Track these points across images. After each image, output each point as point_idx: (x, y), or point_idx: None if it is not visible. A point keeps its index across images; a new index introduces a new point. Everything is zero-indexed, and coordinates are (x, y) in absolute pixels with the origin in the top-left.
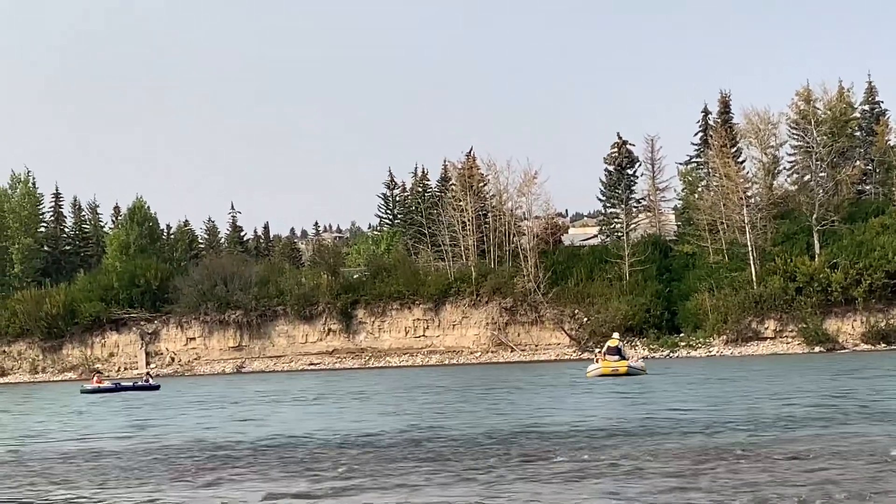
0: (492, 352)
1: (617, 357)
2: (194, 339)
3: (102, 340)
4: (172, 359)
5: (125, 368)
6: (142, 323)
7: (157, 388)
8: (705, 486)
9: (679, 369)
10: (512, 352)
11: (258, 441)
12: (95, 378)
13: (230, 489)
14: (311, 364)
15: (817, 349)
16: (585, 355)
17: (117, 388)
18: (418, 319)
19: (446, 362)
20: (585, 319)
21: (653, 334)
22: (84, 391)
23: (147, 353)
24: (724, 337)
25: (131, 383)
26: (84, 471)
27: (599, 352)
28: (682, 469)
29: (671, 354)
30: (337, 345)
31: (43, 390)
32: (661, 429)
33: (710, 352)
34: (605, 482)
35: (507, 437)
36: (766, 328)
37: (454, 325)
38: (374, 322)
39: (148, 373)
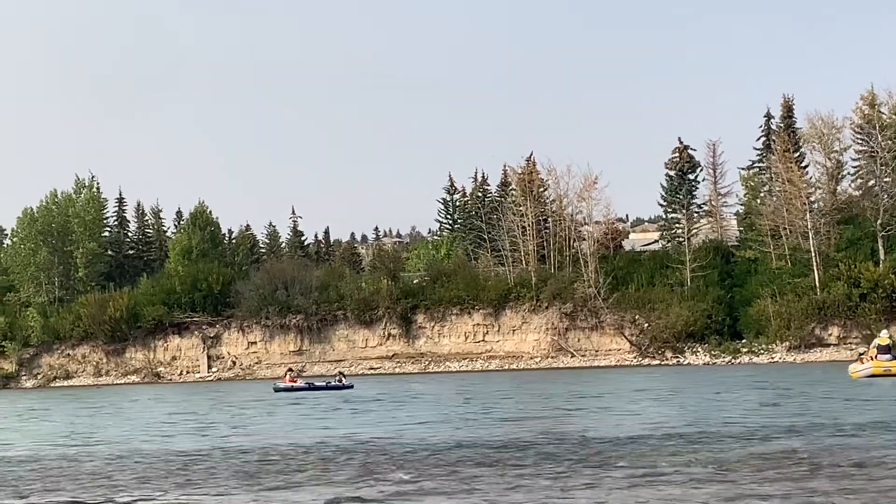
0: (551, 357)
1: (889, 357)
2: (255, 343)
3: (165, 344)
4: (234, 362)
5: (187, 372)
6: (204, 327)
7: (350, 387)
8: (772, 492)
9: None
10: (572, 357)
11: (323, 445)
12: (289, 377)
13: (293, 493)
14: (371, 369)
15: None
16: (646, 361)
17: (310, 388)
18: (478, 324)
19: (506, 367)
20: (646, 325)
21: (714, 340)
22: (277, 389)
23: (209, 357)
24: (787, 343)
25: (324, 383)
26: (191, 472)
27: (866, 352)
28: (744, 476)
29: (733, 360)
30: (397, 349)
31: (224, 391)
32: (719, 435)
33: (772, 358)
34: (666, 490)
35: (569, 442)
36: (830, 335)
37: (514, 331)
38: (433, 327)
39: (340, 372)
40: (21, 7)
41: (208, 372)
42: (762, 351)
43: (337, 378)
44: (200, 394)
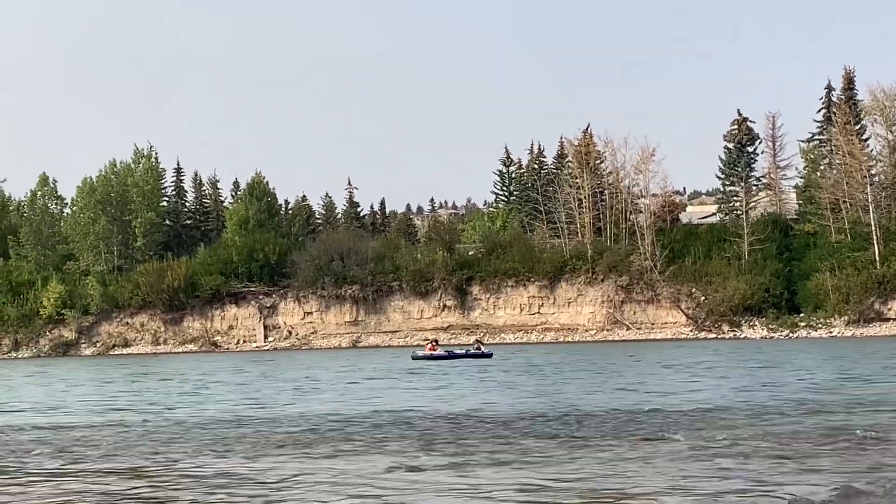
0: (607, 330)
1: None
2: (311, 313)
3: (222, 313)
4: (290, 332)
5: (243, 341)
6: (260, 296)
7: (489, 355)
8: (826, 466)
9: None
10: (627, 330)
11: (379, 415)
12: (429, 345)
13: (349, 461)
14: (427, 340)
15: None
16: (702, 334)
17: (450, 356)
18: (533, 297)
19: (561, 340)
20: (703, 298)
21: (772, 314)
22: (415, 357)
23: (265, 327)
24: (846, 317)
25: (463, 351)
26: (228, 438)
27: None
28: (802, 449)
29: (791, 335)
30: (452, 321)
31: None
32: (778, 408)
33: (830, 332)
34: (724, 461)
35: (628, 414)
36: (890, 309)
37: (569, 303)
38: (488, 299)
39: (478, 340)
40: None
41: (265, 341)
42: (820, 325)
43: (475, 346)
44: (317, 361)
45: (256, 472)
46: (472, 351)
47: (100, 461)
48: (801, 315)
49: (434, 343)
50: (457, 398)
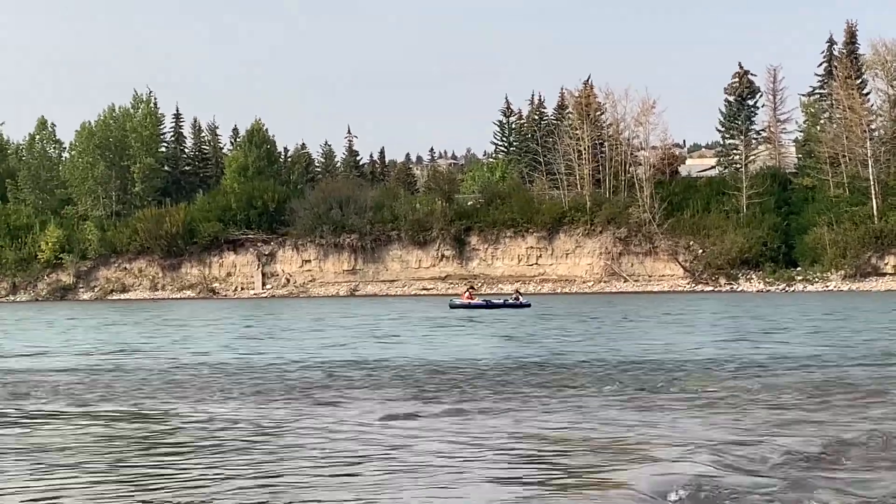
0: (604, 281)
1: None
2: (310, 261)
3: (220, 260)
4: (288, 280)
5: (241, 288)
6: (259, 244)
7: (527, 306)
8: (822, 419)
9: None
10: (625, 282)
11: (376, 362)
12: (466, 294)
13: (347, 408)
14: (424, 289)
15: None
16: (699, 287)
17: (487, 305)
18: (531, 247)
19: (558, 291)
20: (700, 251)
21: (769, 268)
22: (453, 306)
23: (263, 274)
24: (843, 272)
25: (502, 300)
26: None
27: None
28: (796, 401)
29: (787, 288)
30: (450, 270)
31: (359, 305)
32: (773, 361)
33: (827, 286)
34: (717, 412)
35: (621, 365)
36: (886, 264)
37: (567, 254)
38: (487, 249)
39: (517, 290)
40: None
41: (263, 289)
42: (817, 279)
43: (514, 296)
44: (341, 309)
45: (255, 417)
46: (511, 301)
47: (100, 404)
48: (798, 269)
49: (470, 290)
50: (465, 347)
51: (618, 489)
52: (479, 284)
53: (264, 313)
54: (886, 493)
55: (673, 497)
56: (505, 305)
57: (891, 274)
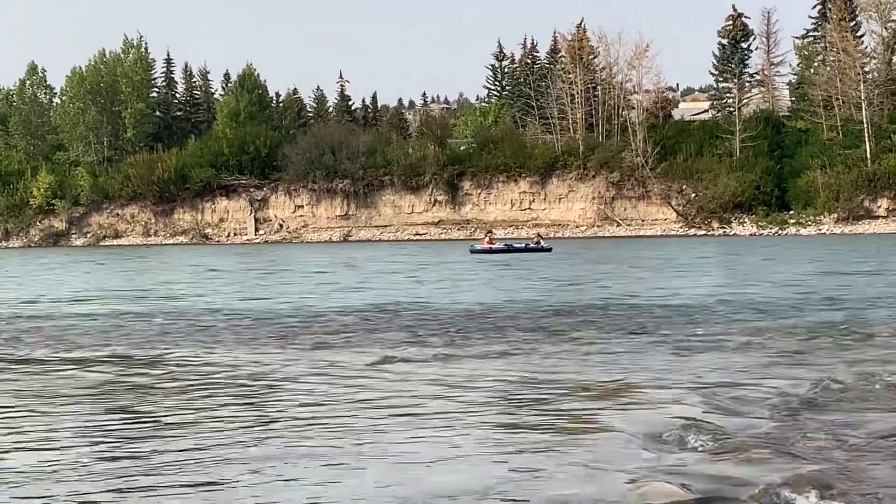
0: (597, 226)
1: None
2: (302, 206)
3: (213, 206)
4: (281, 225)
5: (234, 234)
6: (251, 189)
7: (548, 250)
8: (811, 361)
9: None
10: (618, 226)
11: (369, 307)
12: (486, 238)
13: (341, 353)
14: (417, 234)
15: None
16: (692, 231)
17: (508, 250)
18: (524, 192)
19: (551, 235)
20: (693, 195)
21: (762, 211)
22: (473, 251)
23: (256, 220)
24: (835, 215)
25: (523, 245)
26: (221, 330)
27: None
28: (789, 346)
29: (780, 232)
30: (443, 216)
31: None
32: (765, 304)
33: (819, 230)
34: (707, 355)
35: (614, 309)
36: (879, 207)
37: (560, 199)
38: (479, 194)
39: (538, 234)
40: None
41: (255, 234)
42: (810, 223)
43: (535, 241)
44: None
45: (249, 363)
46: (532, 245)
47: (92, 349)
48: (791, 212)
49: (489, 235)
50: (463, 291)
51: (610, 433)
52: (473, 230)
53: (278, 258)
54: (877, 434)
55: (666, 440)
56: (526, 249)
57: (883, 217)
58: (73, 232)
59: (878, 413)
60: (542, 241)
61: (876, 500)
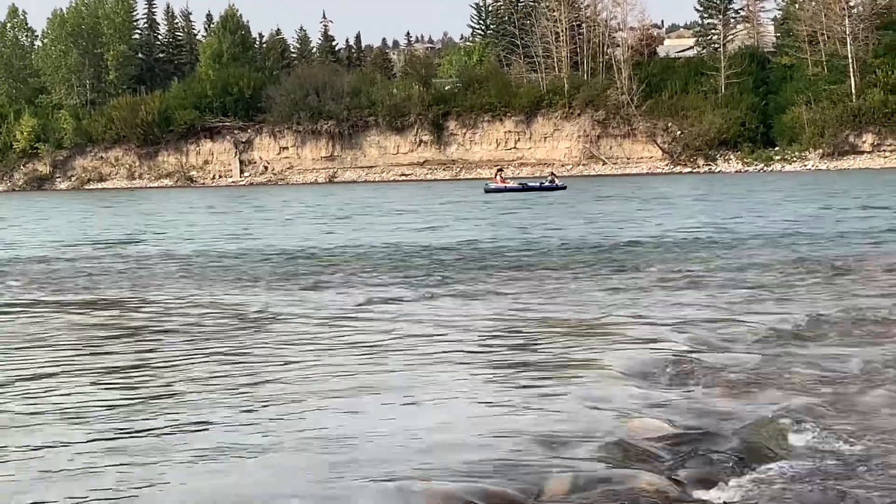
0: (583, 165)
1: None
2: (287, 148)
3: (197, 148)
4: (266, 167)
5: (219, 176)
6: (235, 131)
7: (563, 188)
8: (797, 296)
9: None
10: (603, 165)
11: (358, 247)
12: (499, 177)
13: (327, 293)
14: (403, 175)
15: None
16: (678, 169)
17: (523, 189)
18: (509, 132)
19: (537, 174)
20: (679, 133)
21: (747, 148)
22: (487, 190)
23: (241, 162)
24: (820, 151)
25: (537, 184)
26: (215, 271)
27: None
28: (775, 281)
29: (765, 168)
30: (428, 156)
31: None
32: (751, 240)
33: (805, 166)
34: (695, 292)
35: (601, 247)
36: (864, 142)
37: (545, 138)
38: (465, 134)
39: (552, 173)
40: None
41: (241, 177)
42: (795, 159)
43: (549, 179)
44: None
45: (235, 303)
46: (546, 183)
47: (79, 293)
48: (776, 149)
49: (500, 173)
50: (447, 231)
51: (598, 370)
52: (458, 170)
53: (281, 201)
54: (862, 366)
55: (654, 376)
56: (541, 188)
57: (868, 152)
58: (58, 175)
59: (864, 346)
60: (556, 179)
61: (862, 431)
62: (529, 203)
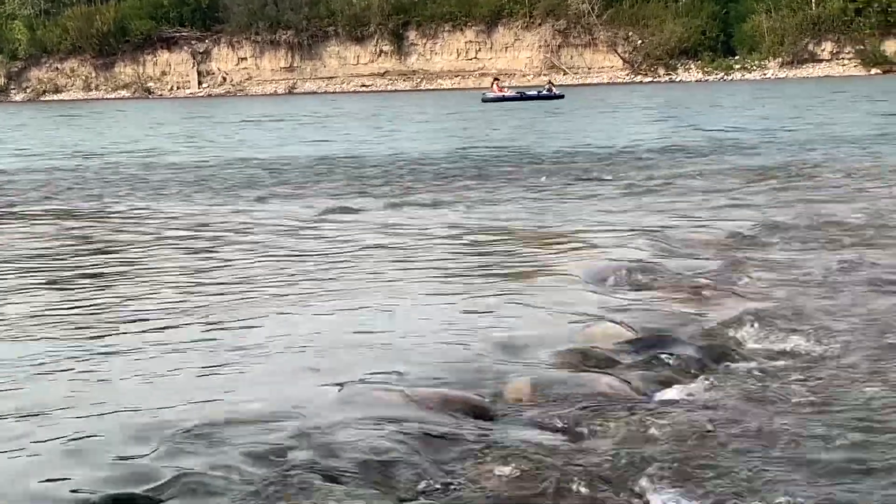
0: (544, 74)
1: None
2: (246, 59)
3: (154, 59)
4: (224, 78)
5: (177, 88)
6: (193, 42)
7: (561, 97)
8: (756, 202)
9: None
10: (564, 75)
11: (315, 159)
12: (496, 86)
13: (286, 203)
14: (363, 86)
15: (874, 71)
16: (638, 78)
17: (521, 98)
18: (470, 41)
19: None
20: (640, 42)
21: (707, 57)
22: (485, 100)
23: (199, 73)
24: (780, 59)
25: (535, 92)
26: (145, 182)
27: None
28: (734, 186)
29: (725, 77)
30: (388, 66)
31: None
32: (712, 148)
33: (765, 74)
34: (655, 199)
35: (563, 156)
36: (823, 50)
37: (506, 48)
38: (425, 44)
39: (550, 81)
40: None
41: (199, 88)
42: (755, 67)
43: (547, 88)
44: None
45: (194, 214)
46: (544, 92)
47: (36, 204)
48: (736, 57)
49: (496, 82)
50: (415, 140)
51: (558, 276)
52: (419, 80)
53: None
54: (819, 271)
55: (613, 282)
56: (539, 97)
57: (827, 60)
58: (13, 87)
59: (820, 251)
60: (553, 88)
61: (818, 333)
62: (495, 114)
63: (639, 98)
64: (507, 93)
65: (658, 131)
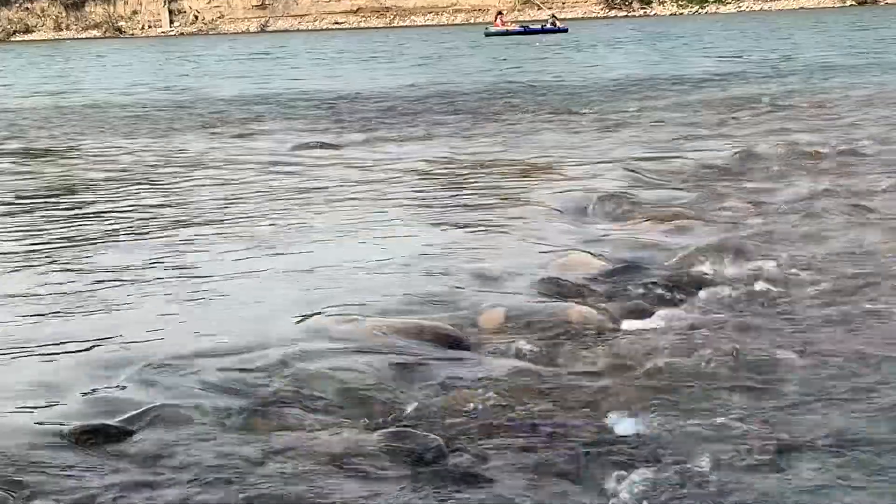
0: (518, 10)
1: None
2: None
3: None
4: (196, 17)
5: (149, 27)
6: None
7: (565, 30)
8: (731, 133)
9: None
10: (539, 10)
11: (288, 95)
12: (499, 20)
13: (259, 140)
14: (336, 23)
15: (849, 3)
16: (613, 13)
17: (525, 32)
18: None
19: (471, 21)
20: None
21: None
22: (488, 34)
23: (170, 11)
24: None
25: (539, 27)
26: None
27: None
28: (710, 119)
29: (700, 11)
30: (361, 3)
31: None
32: (687, 81)
33: (739, 7)
34: (630, 131)
35: (536, 91)
36: None
37: None
38: None
39: (553, 16)
40: None
41: (170, 27)
42: (729, 1)
43: (551, 22)
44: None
45: (167, 151)
46: (548, 27)
47: (5, 143)
48: None
49: (500, 16)
50: (389, 76)
51: (533, 207)
52: (392, 17)
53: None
54: (792, 199)
55: (588, 212)
56: (543, 31)
57: None
58: None
59: (795, 179)
60: (557, 22)
61: (793, 259)
62: (472, 49)
63: (613, 32)
64: (511, 27)
65: (631, 65)
